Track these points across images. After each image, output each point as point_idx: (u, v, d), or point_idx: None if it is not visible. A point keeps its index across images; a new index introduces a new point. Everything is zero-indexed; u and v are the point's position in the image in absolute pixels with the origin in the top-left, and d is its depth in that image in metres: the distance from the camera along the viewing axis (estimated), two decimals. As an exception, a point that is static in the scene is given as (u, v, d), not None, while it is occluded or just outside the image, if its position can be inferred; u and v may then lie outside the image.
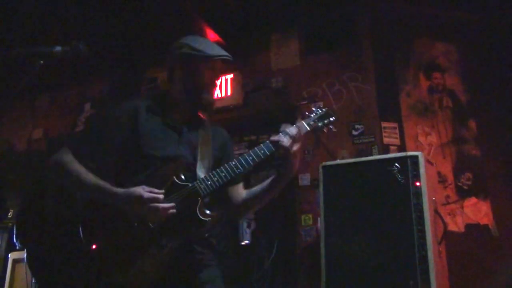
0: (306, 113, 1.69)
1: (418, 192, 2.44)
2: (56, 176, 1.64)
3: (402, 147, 3.28)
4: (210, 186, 1.54)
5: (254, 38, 4.06)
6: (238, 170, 1.55)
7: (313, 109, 1.71)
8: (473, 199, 3.21)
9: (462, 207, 3.22)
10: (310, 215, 3.43)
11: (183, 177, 1.57)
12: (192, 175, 1.58)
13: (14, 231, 2.44)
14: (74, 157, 1.57)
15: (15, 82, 4.27)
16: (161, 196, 1.48)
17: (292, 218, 3.57)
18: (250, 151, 1.57)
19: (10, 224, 3.74)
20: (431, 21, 3.59)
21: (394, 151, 3.20)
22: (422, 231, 2.36)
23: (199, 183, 1.54)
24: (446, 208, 3.20)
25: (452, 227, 3.16)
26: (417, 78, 3.55)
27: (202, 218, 1.52)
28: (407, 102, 3.49)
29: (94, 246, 1.50)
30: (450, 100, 3.44)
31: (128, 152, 1.61)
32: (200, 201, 1.53)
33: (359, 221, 2.56)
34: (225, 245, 3.10)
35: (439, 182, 3.29)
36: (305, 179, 3.55)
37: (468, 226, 3.18)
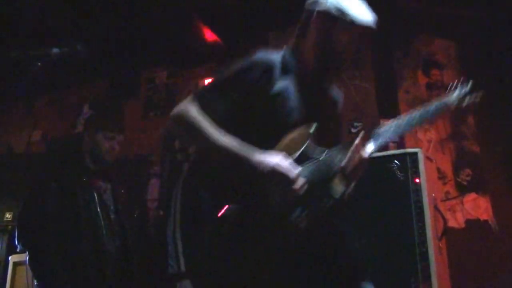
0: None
1: (417, 188, 2.44)
2: (180, 131, 1.50)
3: (401, 144, 3.28)
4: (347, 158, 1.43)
5: (252, 36, 4.06)
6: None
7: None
8: (473, 195, 3.22)
9: (462, 203, 3.23)
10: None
11: (314, 146, 1.46)
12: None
13: (16, 233, 2.44)
14: (201, 109, 1.42)
15: (14, 84, 4.26)
16: (299, 172, 1.36)
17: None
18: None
19: (9, 226, 3.74)
20: (430, 18, 3.59)
21: (393, 148, 3.20)
22: (422, 228, 2.37)
23: (333, 153, 1.45)
24: (446, 204, 3.21)
25: (452, 223, 3.16)
26: (415, 75, 3.55)
27: (337, 191, 1.43)
28: (406, 99, 3.49)
29: (221, 212, 1.36)
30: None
31: (258, 112, 1.47)
32: (334, 173, 1.45)
33: (358, 219, 2.57)
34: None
35: (439, 178, 3.29)
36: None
37: (468, 222, 3.18)
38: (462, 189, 3.26)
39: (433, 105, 1.59)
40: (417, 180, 2.48)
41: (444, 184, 3.29)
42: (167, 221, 3.07)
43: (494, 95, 3.37)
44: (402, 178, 2.52)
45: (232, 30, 4.06)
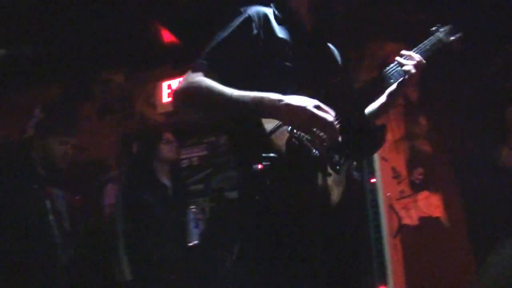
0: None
1: (373, 188, 2.51)
2: (198, 104, 1.41)
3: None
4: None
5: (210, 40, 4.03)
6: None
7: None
8: (425, 193, 3.35)
9: (415, 201, 3.35)
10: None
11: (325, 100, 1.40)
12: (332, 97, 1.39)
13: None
14: (209, 73, 1.38)
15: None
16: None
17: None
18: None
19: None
20: (382, 22, 3.70)
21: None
22: (378, 226, 2.44)
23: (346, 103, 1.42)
24: (400, 203, 3.32)
25: (406, 221, 3.27)
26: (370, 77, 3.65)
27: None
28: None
29: (260, 166, 1.22)
30: (401, 97, 3.56)
31: (268, 64, 1.43)
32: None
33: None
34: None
35: (394, 177, 3.40)
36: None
37: (421, 219, 3.30)
38: (416, 188, 3.38)
39: (429, 40, 1.75)
40: (373, 180, 2.54)
41: (399, 183, 3.40)
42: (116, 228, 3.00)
43: (444, 96, 3.53)
44: (358, 178, 2.57)
45: (190, 31, 4.02)
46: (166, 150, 3.03)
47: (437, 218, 3.29)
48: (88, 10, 3.72)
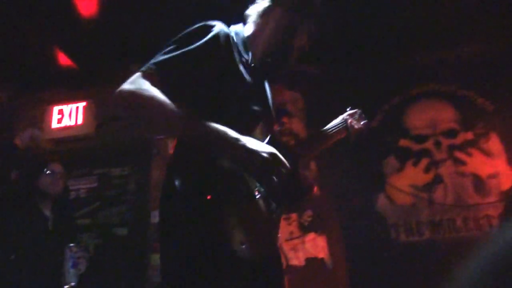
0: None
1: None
2: (132, 109, 1.19)
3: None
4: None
5: (112, 67, 3.91)
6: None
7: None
8: (312, 235, 3.53)
9: (303, 242, 3.51)
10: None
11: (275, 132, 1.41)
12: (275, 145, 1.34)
13: None
14: (161, 83, 1.20)
15: None
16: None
17: (141, 257, 3.41)
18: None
19: None
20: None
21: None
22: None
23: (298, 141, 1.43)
24: (289, 244, 3.45)
25: (294, 261, 3.40)
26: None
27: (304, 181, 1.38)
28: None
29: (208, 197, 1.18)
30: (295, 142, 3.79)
31: (215, 91, 1.31)
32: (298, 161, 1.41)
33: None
34: None
35: (285, 219, 3.54)
36: (157, 216, 3.45)
37: (307, 260, 3.46)
38: (304, 229, 3.55)
39: (338, 120, 1.82)
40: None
41: (289, 224, 3.54)
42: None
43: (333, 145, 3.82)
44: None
45: (89, 57, 3.85)
46: (48, 183, 2.77)
47: (322, 258, 3.47)
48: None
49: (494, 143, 3.57)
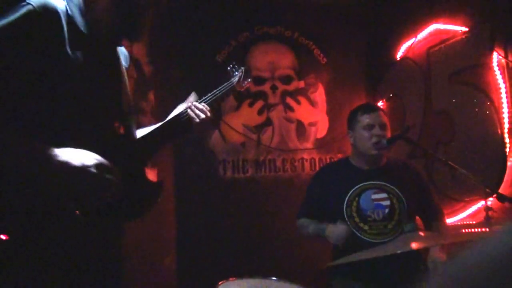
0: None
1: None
2: None
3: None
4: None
5: None
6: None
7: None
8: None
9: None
10: None
11: (117, 129, 1.27)
12: (127, 125, 1.27)
13: None
14: None
15: None
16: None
17: None
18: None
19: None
20: None
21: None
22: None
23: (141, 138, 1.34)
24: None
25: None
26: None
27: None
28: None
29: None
30: (135, 70, 3.49)
31: (34, 85, 1.07)
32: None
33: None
34: None
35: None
36: None
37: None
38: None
39: (223, 87, 1.73)
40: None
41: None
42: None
43: (177, 73, 3.68)
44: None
45: None
46: None
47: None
48: None
49: (320, 94, 3.97)
